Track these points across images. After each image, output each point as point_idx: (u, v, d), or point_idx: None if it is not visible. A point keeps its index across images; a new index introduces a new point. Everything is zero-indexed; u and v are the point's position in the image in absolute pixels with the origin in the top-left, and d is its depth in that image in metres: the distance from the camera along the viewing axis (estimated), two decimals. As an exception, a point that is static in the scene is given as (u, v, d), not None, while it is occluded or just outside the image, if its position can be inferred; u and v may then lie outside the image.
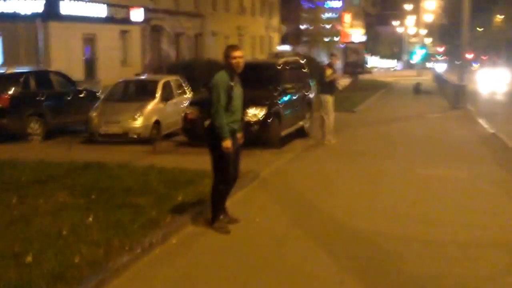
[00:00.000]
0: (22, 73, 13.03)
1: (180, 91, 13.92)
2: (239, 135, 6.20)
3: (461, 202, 7.39)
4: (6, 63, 20.51)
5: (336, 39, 44.37)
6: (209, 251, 5.50)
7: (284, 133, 11.97)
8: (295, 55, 19.50)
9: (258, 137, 11.27)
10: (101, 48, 23.44)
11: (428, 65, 70.04)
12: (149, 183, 7.78)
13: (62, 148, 11.59)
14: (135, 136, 11.95)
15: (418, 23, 76.13)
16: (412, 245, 5.64)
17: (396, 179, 8.82)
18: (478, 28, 65.42)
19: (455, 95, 21.58)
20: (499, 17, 73.19)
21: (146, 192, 7.26)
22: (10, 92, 12.28)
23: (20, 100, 12.41)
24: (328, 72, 12.20)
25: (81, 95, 14.25)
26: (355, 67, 32.17)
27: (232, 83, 5.93)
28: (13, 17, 20.66)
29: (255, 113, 11.21)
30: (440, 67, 67.39)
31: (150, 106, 12.44)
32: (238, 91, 6.03)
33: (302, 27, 43.16)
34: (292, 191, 8.05)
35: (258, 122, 11.15)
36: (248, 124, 11.04)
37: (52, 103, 13.32)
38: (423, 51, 61.39)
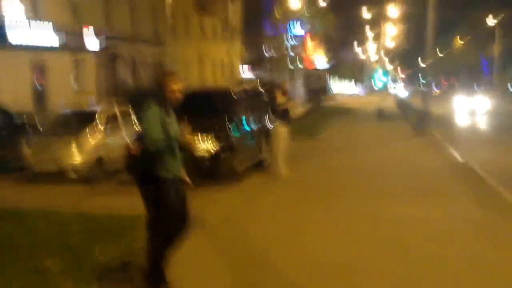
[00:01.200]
0: None
1: (129, 124, 12.60)
2: (185, 178, 4.98)
3: (439, 254, 6.20)
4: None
5: (300, 66, 43.75)
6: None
7: (240, 168, 10.79)
8: (257, 81, 18.51)
9: (211, 174, 10.08)
10: (52, 76, 21.99)
11: (390, 90, 70.21)
12: (71, 237, 6.43)
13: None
14: (74, 176, 10.55)
15: (380, 48, 76.65)
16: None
17: (360, 224, 7.62)
18: (439, 54, 65.99)
19: (419, 121, 20.86)
20: (459, 42, 74.07)
21: (65, 249, 5.92)
22: None
23: None
24: (281, 99, 11.05)
25: (19, 128, 12.82)
26: (317, 94, 31.30)
27: (168, 120, 4.70)
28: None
29: (207, 147, 10.02)
30: (403, 92, 67.57)
31: (92, 140, 11.10)
32: (174, 129, 4.79)
33: (266, 54, 42.43)
34: (242, 244, 6.75)
35: (210, 157, 9.96)
36: (199, 159, 9.87)
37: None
38: (385, 78, 61.61)
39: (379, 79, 70.43)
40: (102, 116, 11.70)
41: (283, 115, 11.07)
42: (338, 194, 9.55)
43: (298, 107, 24.05)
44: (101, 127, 11.45)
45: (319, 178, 11.30)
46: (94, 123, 11.51)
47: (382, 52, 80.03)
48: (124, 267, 5.42)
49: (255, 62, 42.79)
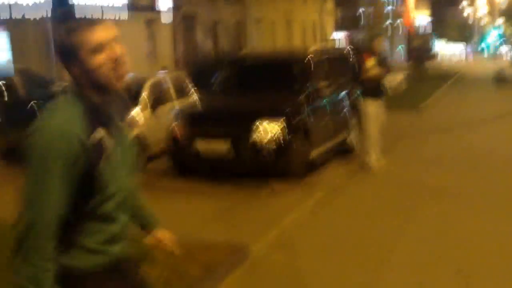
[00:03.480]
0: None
1: (181, 94, 10.22)
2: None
3: None
4: (14, 62, 17.56)
5: (398, 22, 39.40)
6: None
7: (314, 154, 8.08)
8: (346, 43, 15.41)
9: (276, 168, 7.48)
10: (122, 40, 20.05)
11: (503, 51, 63.10)
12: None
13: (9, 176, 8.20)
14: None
15: (491, 5, 69.19)
16: None
17: (499, 263, 4.73)
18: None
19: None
20: None
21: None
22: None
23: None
24: (369, 63, 8.08)
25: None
26: (420, 53, 27.10)
27: (100, 134, 1.85)
28: (20, 10, 17.61)
29: (269, 129, 7.39)
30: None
31: (130, 115, 8.82)
32: (120, 149, 1.95)
33: (360, 10, 38.42)
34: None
35: (272, 142, 7.33)
36: (257, 147, 7.30)
37: (15, 112, 10.01)
38: (496, 38, 55.27)
39: (489, 40, 63.56)
40: (143, 85, 9.35)
41: (372, 86, 8.11)
42: (453, 201, 6.59)
43: (397, 76, 20.33)
44: (142, 99, 9.12)
45: (424, 170, 8.30)
46: (134, 93, 9.23)
47: (492, 7, 72.23)
48: None
49: (349, 20, 38.91)
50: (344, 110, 9.18)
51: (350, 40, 18.95)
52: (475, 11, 70.03)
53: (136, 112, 8.93)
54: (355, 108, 9.21)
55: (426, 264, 4.72)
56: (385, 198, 6.85)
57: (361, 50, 8.84)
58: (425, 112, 15.09)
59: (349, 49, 10.50)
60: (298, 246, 5.26)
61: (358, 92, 8.51)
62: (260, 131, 7.36)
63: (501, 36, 57.85)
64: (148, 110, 9.13)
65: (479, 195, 6.78)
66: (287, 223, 5.81)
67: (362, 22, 36.69)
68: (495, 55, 49.76)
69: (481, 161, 8.72)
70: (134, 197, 2.14)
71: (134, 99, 9.15)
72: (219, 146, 7.47)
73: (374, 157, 8.31)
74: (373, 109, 8.12)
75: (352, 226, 5.83)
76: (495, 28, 57.00)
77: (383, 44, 8.43)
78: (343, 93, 9.28)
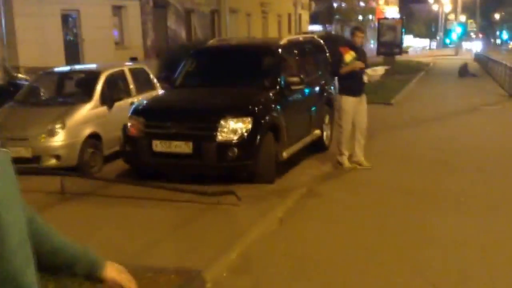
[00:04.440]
0: None
1: (143, 88, 9.06)
2: None
3: None
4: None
5: (370, 17, 38.63)
6: None
7: (286, 154, 7.13)
8: (320, 34, 14.51)
9: (239, 168, 6.52)
10: (88, 27, 18.63)
11: (464, 44, 63.23)
12: None
13: None
14: (54, 162, 7.20)
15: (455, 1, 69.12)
16: None
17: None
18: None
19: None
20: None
21: None
22: None
23: None
24: (348, 57, 7.15)
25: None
26: (390, 47, 26.08)
27: None
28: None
29: (235, 128, 6.40)
30: (476, 46, 60.92)
31: (82, 111, 7.68)
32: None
33: (334, 4, 37.44)
34: None
35: (239, 143, 6.35)
36: (222, 148, 6.32)
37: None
38: (459, 31, 55.33)
39: (454, 33, 63.55)
40: (98, 77, 8.18)
41: (350, 81, 7.17)
42: (430, 203, 5.77)
43: (374, 69, 19.46)
44: (96, 93, 7.96)
45: (402, 169, 7.49)
46: (88, 87, 8.10)
47: (456, 4, 72.25)
48: None
49: (324, 14, 37.84)
50: (318, 107, 8.25)
51: (326, 33, 18.04)
52: (440, 7, 69.89)
53: (89, 107, 7.82)
54: (330, 104, 8.35)
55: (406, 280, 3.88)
56: (362, 203, 5.98)
57: (338, 43, 7.91)
58: (397, 105, 14.40)
59: (325, 41, 9.52)
60: (265, 267, 4.32)
61: (334, 87, 7.61)
62: (225, 130, 6.37)
63: (463, 32, 58.02)
64: (103, 105, 7.99)
65: (457, 196, 6.10)
66: (252, 238, 4.87)
67: (336, 16, 35.74)
68: (458, 50, 49.79)
69: (457, 158, 8.07)
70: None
71: (87, 92, 8.04)
72: (180, 147, 6.45)
73: (345, 155, 7.43)
74: (349, 105, 7.21)
75: (327, 239, 4.94)
76: (459, 24, 56.89)
77: (362, 38, 7.50)
78: (318, 88, 8.36)
